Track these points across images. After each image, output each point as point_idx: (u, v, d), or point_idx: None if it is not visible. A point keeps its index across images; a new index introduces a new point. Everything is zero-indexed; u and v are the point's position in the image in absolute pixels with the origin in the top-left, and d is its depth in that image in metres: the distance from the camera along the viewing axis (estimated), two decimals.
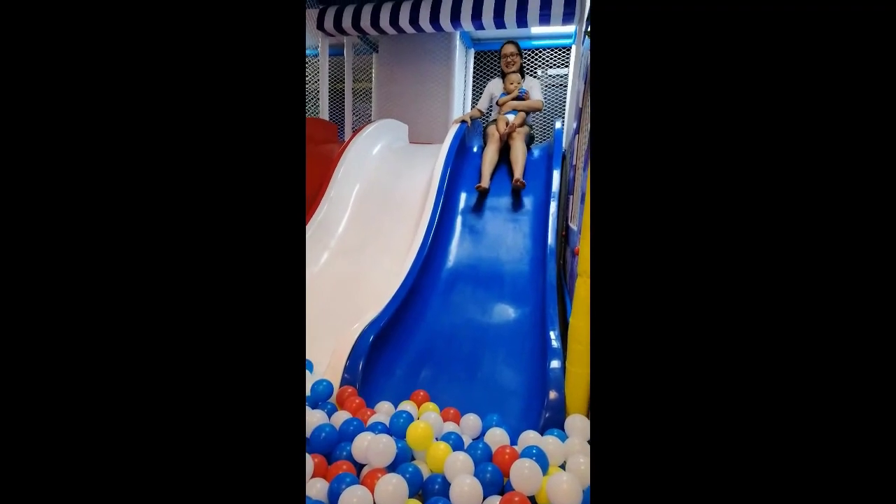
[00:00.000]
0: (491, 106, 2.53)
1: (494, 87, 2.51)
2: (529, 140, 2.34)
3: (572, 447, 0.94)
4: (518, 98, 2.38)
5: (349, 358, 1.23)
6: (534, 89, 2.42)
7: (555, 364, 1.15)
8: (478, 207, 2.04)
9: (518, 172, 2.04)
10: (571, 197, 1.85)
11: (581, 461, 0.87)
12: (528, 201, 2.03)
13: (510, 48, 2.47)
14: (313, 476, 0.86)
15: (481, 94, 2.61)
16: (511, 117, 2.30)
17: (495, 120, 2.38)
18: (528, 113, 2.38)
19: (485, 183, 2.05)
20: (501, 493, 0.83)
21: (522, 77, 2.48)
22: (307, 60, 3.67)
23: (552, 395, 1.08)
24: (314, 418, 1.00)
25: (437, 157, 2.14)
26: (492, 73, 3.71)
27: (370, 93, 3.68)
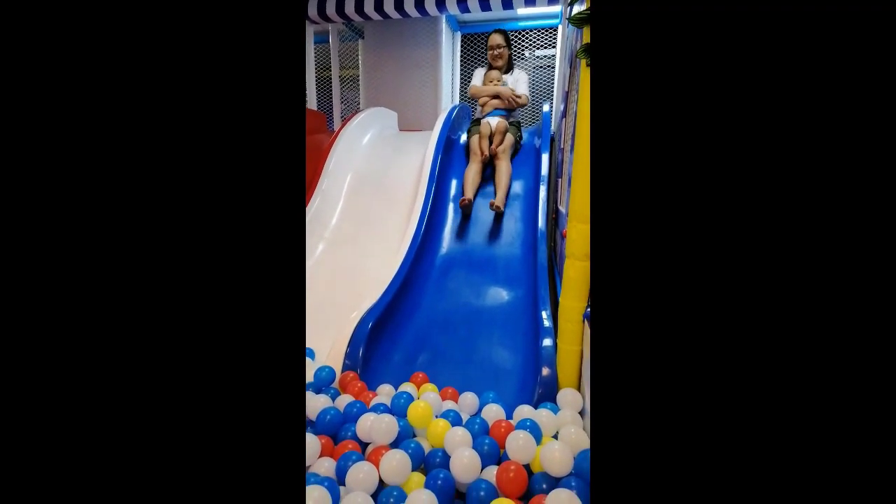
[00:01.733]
0: (474, 107, 2.39)
1: (477, 78, 2.32)
2: (517, 142, 2.17)
3: (564, 419, 1.00)
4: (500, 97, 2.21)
5: (349, 345, 1.27)
6: (519, 83, 2.22)
7: (547, 342, 1.20)
8: None
9: (500, 195, 1.89)
10: (560, 180, 1.89)
11: (572, 431, 0.93)
12: (518, 185, 2.06)
13: (497, 39, 2.25)
14: (321, 455, 0.91)
15: (469, 78, 2.56)
16: (494, 121, 2.13)
17: (478, 121, 2.20)
18: (512, 109, 2.23)
19: (468, 194, 1.91)
20: (499, 463, 0.88)
21: (511, 69, 2.29)
22: None
23: (545, 371, 1.14)
24: (319, 402, 1.05)
25: (427, 144, 2.15)
26: (479, 56, 3.68)
27: (357, 80, 3.65)
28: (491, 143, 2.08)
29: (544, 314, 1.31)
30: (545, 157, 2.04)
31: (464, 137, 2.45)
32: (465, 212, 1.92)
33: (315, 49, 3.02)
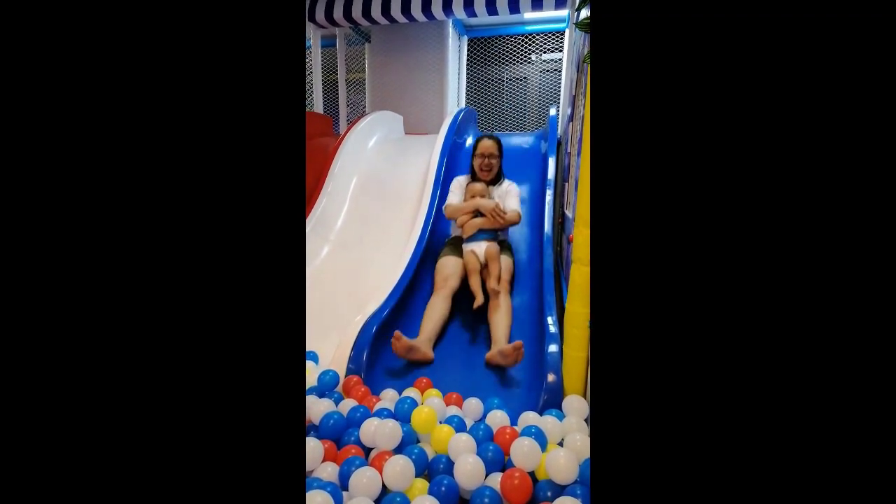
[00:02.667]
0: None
1: (455, 193, 1.76)
2: (513, 265, 1.63)
3: (570, 426, 0.99)
4: (481, 215, 1.62)
5: (353, 349, 1.27)
6: (509, 196, 1.70)
7: (552, 348, 1.19)
8: None
9: (501, 341, 1.32)
10: (567, 184, 1.88)
11: (578, 438, 0.92)
12: (524, 189, 2.06)
13: (489, 146, 1.74)
14: (324, 460, 0.91)
15: (476, 83, 2.55)
16: (481, 247, 1.55)
17: (457, 241, 1.65)
18: (501, 230, 1.67)
19: (422, 344, 1.30)
20: (503, 470, 0.87)
21: (499, 180, 1.79)
22: None
23: (550, 377, 1.12)
24: (322, 406, 1.05)
25: (433, 148, 2.16)
26: (485, 60, 3.69)
27: (363, 83, 3.67)
28: (483, 280, 1.50)
29: (550, 320, 1.30)
30: (551, 161, 2.04)
31: (469, 141, 2.45)
32: (410, 358, 1.30)
33: (322, 52, 3.04)
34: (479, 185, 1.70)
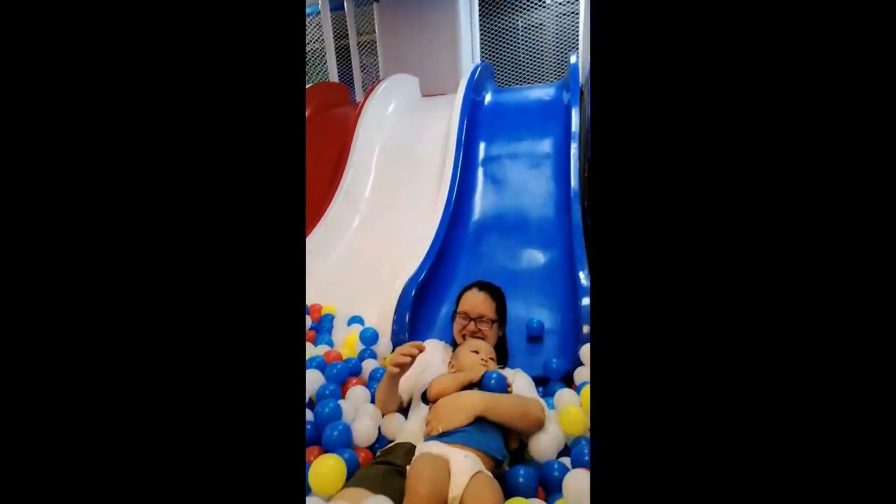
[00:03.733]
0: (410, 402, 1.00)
1: (431, 364, 1.02)
2: None
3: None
4: (475, 386, 0.86)
5: (396, 312, 1.35)
6: (519, 381, 0.96)
7: (586, 301, 1.23)
8: (498, 156, 2.05)
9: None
10: (591, 136, 1.84)
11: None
12: (548, 144, 2.03)
13: (479, 303, 1.10)
14: None
15: (489, 34, 2.43)
16: (459, 463, 0.68)
17: (395, 450, 0.82)
18: (509, 430, 0.83)
19: None
20: None
21: (502, 362, 1.09)
22: (308, 19, 3.56)
23: (585, 329, 1.17)
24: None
25: (452, 109, 2.13)
26: (498, 9, 3.50)
27: (374, 45, 3.58)
28: None
29: (582, 274, 1.33)
30: (574, 113, 1.98)
31: (488, 98, 2.39)
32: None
33: (330, 17, 2.96)
34: (479, 342, 1.00)
